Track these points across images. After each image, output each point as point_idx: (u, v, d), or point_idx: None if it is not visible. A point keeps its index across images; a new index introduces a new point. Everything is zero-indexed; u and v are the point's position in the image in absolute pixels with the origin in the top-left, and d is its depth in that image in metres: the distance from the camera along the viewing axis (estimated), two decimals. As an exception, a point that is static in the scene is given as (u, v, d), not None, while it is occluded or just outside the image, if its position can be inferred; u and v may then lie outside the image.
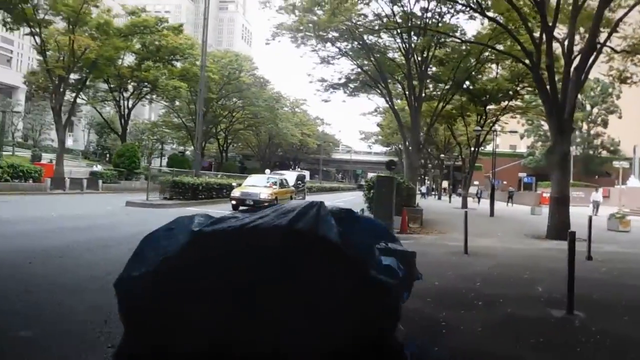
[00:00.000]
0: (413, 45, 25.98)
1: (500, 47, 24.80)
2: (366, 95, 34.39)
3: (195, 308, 3.05)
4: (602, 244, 13.08)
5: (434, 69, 29.78)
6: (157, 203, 21.43)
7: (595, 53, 16.04)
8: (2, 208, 16.19)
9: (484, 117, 34.68)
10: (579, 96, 52.07)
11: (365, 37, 26.55)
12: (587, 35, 16.62)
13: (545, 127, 50.68)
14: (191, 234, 3.14)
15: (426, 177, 76.11)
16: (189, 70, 40.16)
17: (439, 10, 24.79)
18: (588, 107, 63.65)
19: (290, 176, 31.26)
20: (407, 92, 28.00)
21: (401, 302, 4.71)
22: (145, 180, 32.87)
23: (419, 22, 24.87)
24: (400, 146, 44.27)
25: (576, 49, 16.74)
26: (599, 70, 20.76)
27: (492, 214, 26.35)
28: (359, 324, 3.06)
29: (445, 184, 70.30)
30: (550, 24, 15.59)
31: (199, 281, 3.07)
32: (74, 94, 35.96)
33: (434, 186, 72.38)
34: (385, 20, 25.27)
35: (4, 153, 37.66)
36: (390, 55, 29.12)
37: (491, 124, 35.13)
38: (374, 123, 77.91)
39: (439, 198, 59.17)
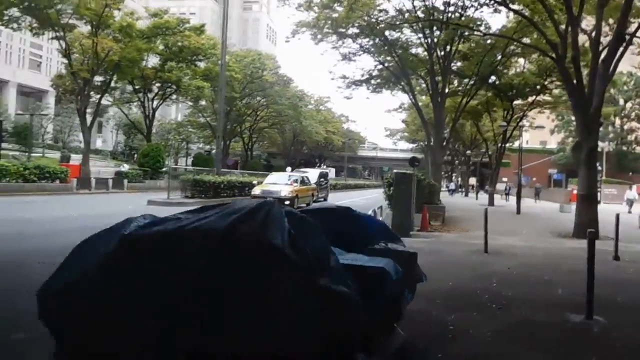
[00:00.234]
0: (435, 39, 25.57)
1: (526, 40, 24.14)
2: (390, 91, 33.99)
3: (122, 316, 2.89)
4: (632, 243, 12.45)
5: (458, 63, 29.23)
6: (177, 201, 21.55)
7: (624, 44, 15.38)
8: (27, 208, 16.59)
9: (511, 113, 33.92)
10: (612, 90, 50.93)
11: (386, 32, 26.25)
12: (615, 26, 15.94)
13: (576, 122, 49.31)
14: (120, 238, 2.98)
15: (454, 174, 74.95)
16: (211, 70, 40.35)
17: (461, 3, 24.27)
18: (621, 102, 61.77)
19: (313, 174, 31.12)
20: (430, 88, 27.57)
21: (404, 303, 4.49)
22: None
23: (441, 17, 24.44)
24: (425, 143, 43.69)
25: (605, 40, 16.10)
26: (631, 63, 19.95)
27: (518, 211, 25.71)
28: (307, 336, 2.84)
29: (472, 180, 69.09)
30: (576, 15, 15.04)
31: (126, 288, 2.91)
32: (99, 96, 36.62)
33: (461, 183, 71.18)
34: (407, 15, 24.93)
35: (34, 155, 38.61)
36: (412, 51, 28.70)
37: (518, 120, 34.32)
38: (399, 120, 77.06)
39: (466, 195, 58.21)
